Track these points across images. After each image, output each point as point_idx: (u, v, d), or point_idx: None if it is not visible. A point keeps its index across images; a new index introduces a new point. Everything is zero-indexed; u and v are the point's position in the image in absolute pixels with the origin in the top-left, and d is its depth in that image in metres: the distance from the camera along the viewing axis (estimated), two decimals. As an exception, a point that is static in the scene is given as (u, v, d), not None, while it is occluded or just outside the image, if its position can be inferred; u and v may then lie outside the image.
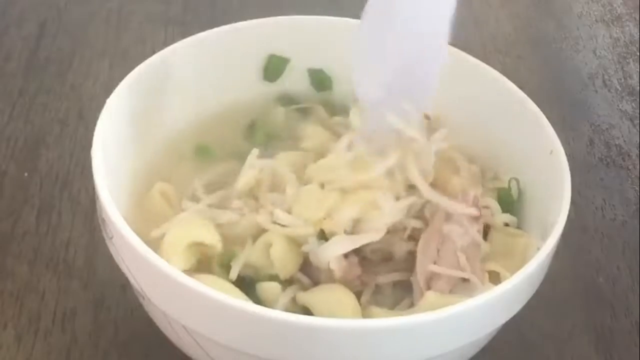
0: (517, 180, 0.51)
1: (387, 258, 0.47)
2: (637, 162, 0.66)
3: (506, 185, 0.51)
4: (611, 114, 0.70)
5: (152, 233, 0.46)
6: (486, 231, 0.49)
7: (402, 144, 0.47)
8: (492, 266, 0.46)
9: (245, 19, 0.55)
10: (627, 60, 0.75)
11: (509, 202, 0.50)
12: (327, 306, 0.44)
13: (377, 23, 0.46)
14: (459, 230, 0.46)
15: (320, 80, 0.57)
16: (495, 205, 0.50)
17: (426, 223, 0.47)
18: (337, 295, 0.45)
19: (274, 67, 0.56)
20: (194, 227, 0.46)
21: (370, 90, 0.46)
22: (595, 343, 0.54)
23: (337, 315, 0.43)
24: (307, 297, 0.45)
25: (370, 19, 0.46)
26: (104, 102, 0.48)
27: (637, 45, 0.77)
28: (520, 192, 0.51)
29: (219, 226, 0.46)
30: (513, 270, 0.43)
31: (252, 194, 0.48)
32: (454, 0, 0.44)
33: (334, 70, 0.56)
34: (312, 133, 0.53)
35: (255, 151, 0.49)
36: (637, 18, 0.80)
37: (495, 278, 0.46)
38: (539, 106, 0.51)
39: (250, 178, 0.48)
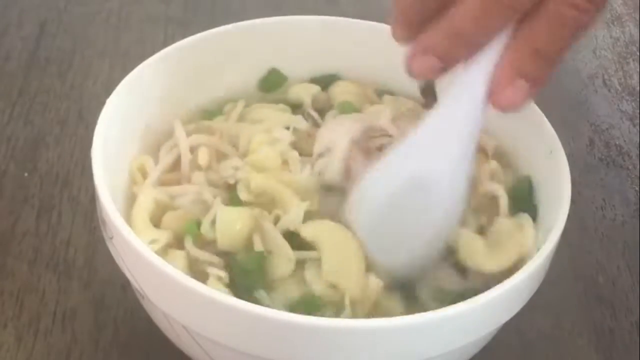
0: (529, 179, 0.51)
1: None
2: (637, 162, 0.66)
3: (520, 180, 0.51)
4: (611, 114, 0.70)
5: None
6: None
7: None
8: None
9: (245, 19, 0.55)
10: (627, 60, 0.75)
11: (524, 195, 0.50)
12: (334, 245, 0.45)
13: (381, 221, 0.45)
14: None
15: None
16: (502, 193, 0.49)
17: None
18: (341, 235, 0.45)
19: (271, 82, 0.56)
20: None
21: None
22: (595, 343, 0.54)
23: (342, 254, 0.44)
24: (312, 232, 0.45)
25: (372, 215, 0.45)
26: (104, 102, 0.48)
27: (637, 45, 0.77)
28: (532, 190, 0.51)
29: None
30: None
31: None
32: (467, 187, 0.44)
33: (335, 69, 0.56)
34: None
35: (178, 123, 0.51)
36: (637, 18, 0.80)
37: None
38: (539, 106, 0.51)
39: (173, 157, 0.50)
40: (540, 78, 0.40)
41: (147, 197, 0.47)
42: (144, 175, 0.49)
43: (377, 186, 0.45)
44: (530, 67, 0.40)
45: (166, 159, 0.50)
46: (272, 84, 0.56)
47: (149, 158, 0.50)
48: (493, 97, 0.41)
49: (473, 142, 0.43)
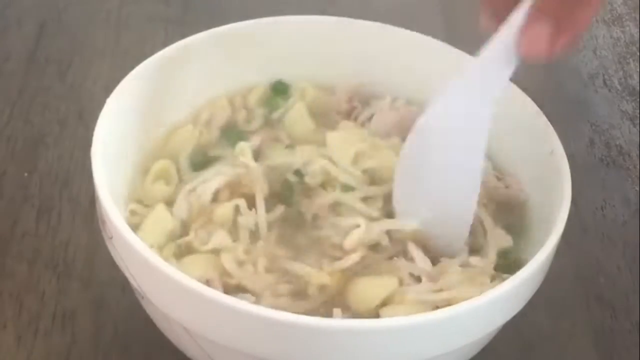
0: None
1: None
2: (637, 162, 0.66)
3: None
4: (611, 114, 0.70)
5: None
6: None
7: None
8: None
9: (245, 19, 0.55)
10: (627, 60, 0.75)
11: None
12: None
13: (414, 161, 0.47)
14: None
15: None
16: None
17: None
18: None
19: (278, 91, 0.56)
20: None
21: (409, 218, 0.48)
22: (595, 343, 0.54)
23: None
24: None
25: (408, 156, 0.47)
26: (104, 102, 0.48)
27: (637, 45, 0.77)
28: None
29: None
30: None
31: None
32: (487, 135, 0.45)
33: (335, 69, 0.56)
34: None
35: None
36: (637, 18, 0.80)
37: None
38: (539, 106, 0.51)
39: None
40: (564, 17, 0.38)
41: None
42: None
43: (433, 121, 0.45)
44: (551, 4, 0.38)
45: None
46: (279, 92, 0.56)
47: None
48: (517, 43, 0.40)
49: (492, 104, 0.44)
